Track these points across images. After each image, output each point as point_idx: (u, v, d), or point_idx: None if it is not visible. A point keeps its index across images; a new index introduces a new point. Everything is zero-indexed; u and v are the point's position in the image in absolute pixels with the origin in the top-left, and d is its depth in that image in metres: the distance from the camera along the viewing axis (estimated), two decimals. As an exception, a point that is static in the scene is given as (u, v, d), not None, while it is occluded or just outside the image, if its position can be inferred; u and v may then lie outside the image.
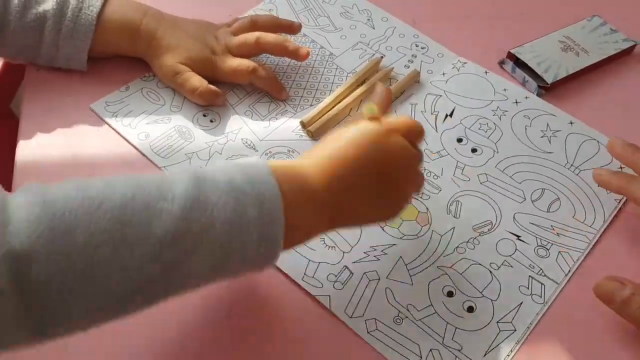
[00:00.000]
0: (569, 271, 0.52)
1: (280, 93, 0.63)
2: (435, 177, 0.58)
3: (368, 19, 0.72)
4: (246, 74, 0.62)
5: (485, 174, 0.58)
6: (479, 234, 0.54)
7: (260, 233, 0.39)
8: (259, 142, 0.60)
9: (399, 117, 0.49)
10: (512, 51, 0.67)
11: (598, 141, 0.61)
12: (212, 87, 0.61)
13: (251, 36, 0.63)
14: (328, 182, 0.43)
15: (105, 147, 0.59)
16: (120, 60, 0.64)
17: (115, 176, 0.38)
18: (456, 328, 0.48)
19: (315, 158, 0.44)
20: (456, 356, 0.47)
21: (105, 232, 0.34)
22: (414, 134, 0.47)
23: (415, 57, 0.68)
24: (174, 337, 0.47)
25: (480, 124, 0.62)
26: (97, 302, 0.35)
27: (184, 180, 0.38)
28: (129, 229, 0.35)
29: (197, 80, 0.60)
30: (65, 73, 0.63)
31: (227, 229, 0.38)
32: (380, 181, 0.45)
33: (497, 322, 0.49)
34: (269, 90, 0.63)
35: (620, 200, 0.56)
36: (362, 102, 0.63)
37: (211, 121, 0.61)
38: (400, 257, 0.52)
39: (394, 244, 0.53)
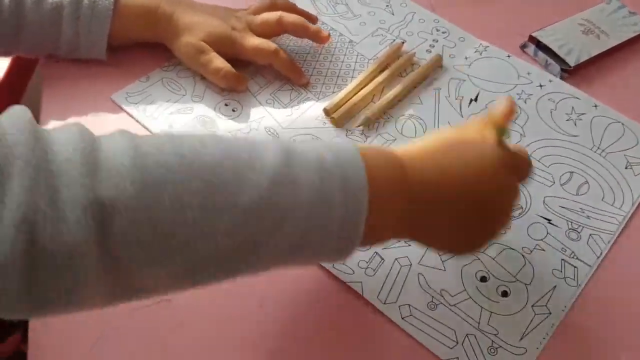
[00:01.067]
0: (601, 254, 0.51)
1: (300, 78, 0.63)
2: (465, 161, 0.57)
3: (387, 5, 0.72)
4: (268, 54, 0.61)
5: (514, 158, 0.57)
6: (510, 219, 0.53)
7: (341, 220, 0.36)
8: (282, 130, 0.59)
9: (521, 153, 0.45)
10: (534, 34, 0.67)
11: (623, 124, 0.60)
12: (236, 71, 0.60)
13: (273, 15, 0.63)
14: (424, 190, 0.40)
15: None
16: (138, 51, 0.64)
17: (206, 134, 0.36)
18: (491, 313, 0.48)
19: (420, 161, 0.41)
20: (493, 341, 0.46)
21: (194, 194, 0.32)
22: (525, 172, 0.45)
23: (437, 41, 0.68)
24: (204, 326, 0.47)
25: (506, 107, 0.61)
26: (172, 265, 0.33)
27: (275, 151, 0.36)
28: (217, 194, 0.33)
29: (221, 62, 0.60)
30: (84, 64, 0.62)
31: (309, 210, 0.35)
32: (477, 213, 0.42)
33: (532, 306, 0.48)
34: (289, 75, 0.63)
35: (648, 182, 0.56)
36: (385, 88, 0.63)
37: (233, 110, 0.61)
38: (432, 242, 0.51)
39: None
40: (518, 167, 0.43)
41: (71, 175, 0.30)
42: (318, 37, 0.64)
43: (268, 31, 0.63)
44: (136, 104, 0.60)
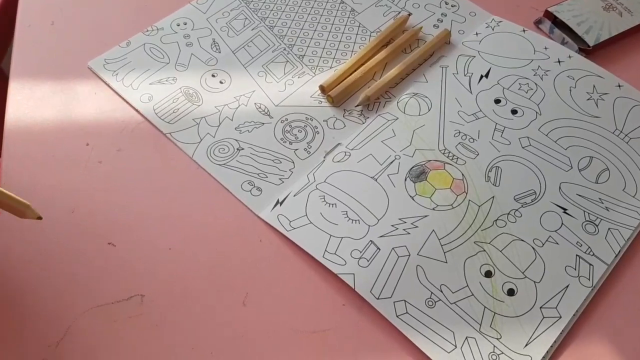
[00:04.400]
0: (619, 251, 0.46)
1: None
2: (472, 140, 0.52)
3: (393, -26, 0.66)
4: None
5: (528, 138, 0.52)
6: (521, 205, 0.48)
7: None
8: (274, 107, 0.54)
9: None
10: (550, 9, 0.62)
11: (648, 107, 0.55)
12: None
13: None
14: None
15: (103, 110, 0.53)
16: (119, 13, 0.59)
17: None
18: (495, 313, 0.43)
19: None
20: (495, 345, 0.41)
21: None
22: None
23: (445, 15, 0.62)
24: (183, 327, 0.42)
25: (519, 84, 0.56)
26: None
27: None
28: None
29: None
30: (59, 28, 0.57)
31: None
32: None
33: (540, 308, 0.43)
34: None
35: (675, 173, 0.50)
36: (388, 65, 0.58)
37: (221, 82, 0.56)
38: (433, 230, 0.46)
39: (426, 216, 0.47)
40: None
41: None
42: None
43: None
44: (114, 71, 0.55)
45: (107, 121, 0.53)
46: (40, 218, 0.40)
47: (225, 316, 0.43)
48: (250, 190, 0.49)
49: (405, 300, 0.43)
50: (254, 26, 0.60)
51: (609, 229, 0.47)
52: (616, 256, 0.46)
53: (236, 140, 0.52)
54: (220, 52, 0.58)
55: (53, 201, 0.47)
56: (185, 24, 0.60)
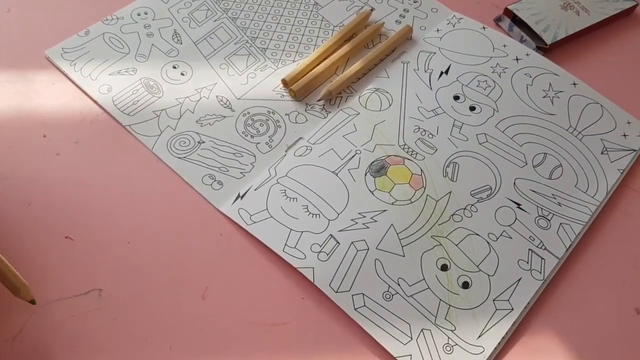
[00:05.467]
0: (570, 245, 0.48)
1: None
2: (431, 135, 0.53)
3: (356, -31, 0.66)
4: None
5: (485, 134, 0.53)
6: (477, 200, 0.49)
7: None
8: (236, 100, 0.54)
9: None
10: (509, 7, 0.63)
11: (602, 105, 0.56)
12: None
13: None
14: None
15: (61, 101, 0.52)
16: (77, 0, 0.57)
17: None
18: (450, 306, 0.44)
19: None
20: (449, 337, 0.42)
21: None
22: None
23: (407, 11, 0.63)
24: (141, 321, 0.42)
25: (478, 81, 0.57)
26: None
27: None
28: None
29: None
30: (16, 15, 0.56)
31: None
32: None
33: (494, 300, 0.44)
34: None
35: (623, 171, 0.52)
36: (350, 60, 0.58)
37: (182, 74, 0.55)
38: (392, 224, 0.47)
39: (385, 210, 0.48)
40: None
41: None
42: None
43: None
44: (73, 61, 0.54)
45: (65, 112, 0.52)
46: (33, 302, 0.40)
47: (185, 310, 0.43)
48: (211, 184, 0.49)
49: (363, 294, 0.44)
50: (217, 17, 0.60)
51: (560, 223, 0.49)
52: (567, 250, 0.47)
53: (197, 133, 0.51)
54: (181, 43, 0.57)
55: (9, 194, 0.46)
56: (146, 14, 0.59)
